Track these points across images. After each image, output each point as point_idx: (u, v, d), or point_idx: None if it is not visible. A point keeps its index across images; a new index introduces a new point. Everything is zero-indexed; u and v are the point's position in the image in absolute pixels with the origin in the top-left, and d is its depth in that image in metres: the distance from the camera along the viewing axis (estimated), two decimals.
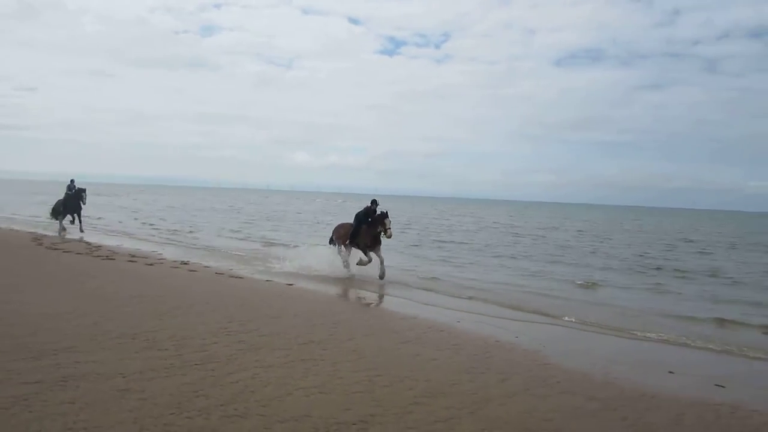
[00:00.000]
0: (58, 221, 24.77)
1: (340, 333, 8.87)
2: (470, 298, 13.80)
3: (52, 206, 25.46)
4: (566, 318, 11.78)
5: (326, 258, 16.65)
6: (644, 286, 17.53)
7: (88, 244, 20.68)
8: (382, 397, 6.00)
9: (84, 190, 24.42)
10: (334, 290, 13.95)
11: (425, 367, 7.30)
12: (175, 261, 17.20)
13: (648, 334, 10.55)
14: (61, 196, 25.02)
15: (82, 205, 24.37)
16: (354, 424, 5.20)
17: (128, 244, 21.86)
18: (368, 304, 12.58)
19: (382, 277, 15.44)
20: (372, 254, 15.71)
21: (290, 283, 14.21)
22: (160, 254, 19.03)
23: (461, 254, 25.04)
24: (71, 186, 24.57)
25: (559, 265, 22.29)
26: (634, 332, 10.76)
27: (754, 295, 16.39)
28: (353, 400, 5.84)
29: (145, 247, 21.03)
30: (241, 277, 14.59)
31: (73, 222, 24.35)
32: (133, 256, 17.58)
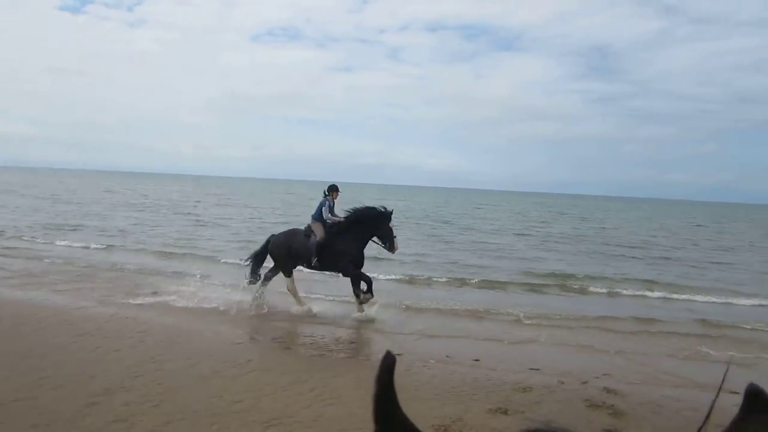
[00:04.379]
0: (260, 279, 10.40)
1: None
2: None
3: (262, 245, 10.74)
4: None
5: None
6: None
7: None
8: (48, 403, 5.23)
9: (388, 216, 9.99)
10: None
11: (105, 360, 6.64)
12: None
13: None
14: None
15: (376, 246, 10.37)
16: None
17: None
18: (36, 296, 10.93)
19: None
20: None
21: None
22: None
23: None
24: (330, 204, 10.16)
25: None
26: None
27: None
28: (7, 414, 4.95)
29: None
30: None
31: (363, 296, 9.75)
32: None
